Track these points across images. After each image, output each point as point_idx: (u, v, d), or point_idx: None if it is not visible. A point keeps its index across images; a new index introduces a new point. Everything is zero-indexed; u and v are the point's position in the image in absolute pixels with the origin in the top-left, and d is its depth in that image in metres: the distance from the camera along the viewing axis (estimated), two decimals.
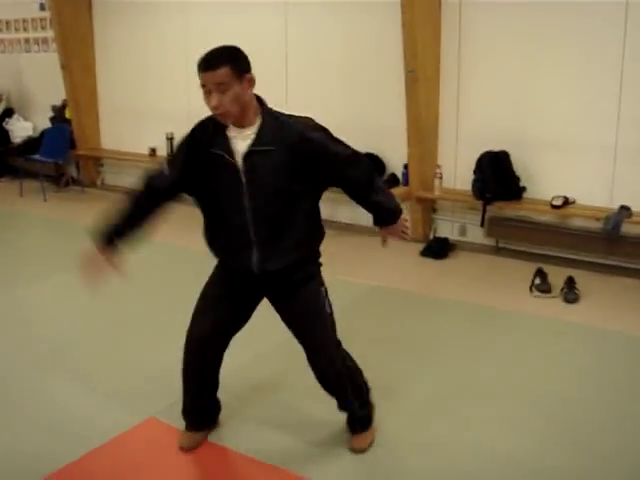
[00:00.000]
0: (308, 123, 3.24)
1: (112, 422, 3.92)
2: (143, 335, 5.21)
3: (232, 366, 3.84)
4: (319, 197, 3.39)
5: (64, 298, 5.95)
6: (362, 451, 3.66)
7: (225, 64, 2.97)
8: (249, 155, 3.12)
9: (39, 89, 10.40)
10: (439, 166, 6.94)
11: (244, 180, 3.14)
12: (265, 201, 3.18)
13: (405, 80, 6.70)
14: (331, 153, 3.21)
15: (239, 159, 3.13)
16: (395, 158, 7.29)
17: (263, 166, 3.12)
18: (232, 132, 3.14)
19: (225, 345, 3.59)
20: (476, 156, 6.67)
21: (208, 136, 3.19)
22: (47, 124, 10.01)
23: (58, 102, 9.91)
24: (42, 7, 9.99)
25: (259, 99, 3.20)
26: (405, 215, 3.60)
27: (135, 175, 9.35)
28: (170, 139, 8.69)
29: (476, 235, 7.01)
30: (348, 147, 3.31)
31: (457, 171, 6.98)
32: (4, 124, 10.50)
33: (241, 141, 3.13)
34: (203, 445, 3.76)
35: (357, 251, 6.97)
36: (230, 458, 3.69)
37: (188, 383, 3.67)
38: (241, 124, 3.12)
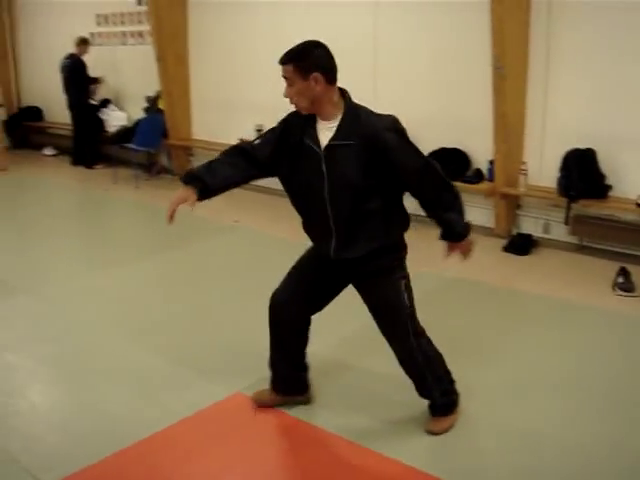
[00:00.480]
0: (387, 122, 3.35)
1: (200, 396, 4.13)
2: (233, 315, 5.46)
3: (319, 348, 4.01)
4: (399, 192, 3.49)
5: (155, 279, 6.22)
6: (437, 433, 3.77)
7: (290, 62, 3.27)
8: (330, 148, 3.31)
9: (134, 80, 10.76)
10: (524, 163, 6.96)
11: (325, 171, 3.33)
12: (342, 193, 3.35)
13: (492, 77, 6.74)
14: (400, 161, 3.31)
15: (322, 150, 3.33)
16: (480, 153, 7.33)
17: (342, 159, 3.30)
18: (319, 124, 3.36)
19: (303, 317, 3.82)
20: (562, 153, 6.66)
21: (300, 125, 3.40)
22: (141, 114, 10.36)
23: (152, 93, 10.24)
24: (139, 2, 10.36)
25: (343, 93, 3.38)
26: (471, 237, 3.68)
27: None
28: (259, 130, 8.89)
29: (560, 232, 7.00)
30: (420, 157, 3.38)
31: (543, 168, 6.98)
32: (100, 114, 10.91)
33: (326, 132, 3.33)
34: (285, 420, 3.95)
35: (439, 244, 7.02)
36: (314, 434, 3.85)
37: (270, 343, 3.92)
38: (323, 117, 3.34)
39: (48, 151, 12.39)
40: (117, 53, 10.92)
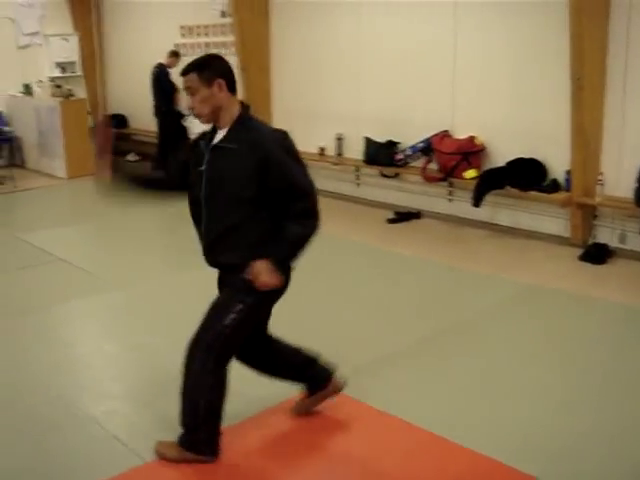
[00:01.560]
0: (276, 135, 3.50)
1: (286, 387, 4.37)
2: (313, 311, 5.73)
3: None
4: (274, 209, 3.48)
5: None
6: (158, 452, 3.81)
7: (193, 71, 3.43)
8: (215, 148, 3.50)
9: None
10: (601, 173, 7.02)
11: (205, 170, 3.52)
12: (216, 195, 3.50)
13: (571, 87, 6.84)
14: (285, 171, 3.42)
15: (208, 150, 3.52)
16: (557, 163, 7.40)
17: (224, 161, 3.46)
18: (218, 133, 3.53)
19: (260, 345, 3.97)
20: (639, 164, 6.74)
21: (209, 134, 3.59)
22: None
23: None
24: (223, 14, 10.72)
25: (243, 106, 3.55)
26: (271, 277, 3.48)
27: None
28: (339, 139, 9.16)
29: (636, 243, 7.03)
30: (300, 176, 3.47)
31: (620, 178, 7.01)
32: (184, 121, 11.27)
33: (219, 137, 3.52)
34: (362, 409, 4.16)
35: (516, 253, 7.16)
36: (391, 422, 4.06)
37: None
38: (221, 125, 3.50)
39: (132, 157, 12.85)
40: None
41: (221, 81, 3.42)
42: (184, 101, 11.35)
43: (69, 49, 13.24)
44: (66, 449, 3.96)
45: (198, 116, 3.49)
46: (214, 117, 3.49)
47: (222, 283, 3.74)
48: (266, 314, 3.83)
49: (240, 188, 3.44)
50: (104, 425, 4.17)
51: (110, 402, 4.47)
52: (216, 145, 3.49)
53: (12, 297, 6.34)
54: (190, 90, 3.44)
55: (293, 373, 4.10)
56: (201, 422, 3.68)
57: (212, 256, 3.63)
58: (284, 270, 3.55)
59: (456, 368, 4.78)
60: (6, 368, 4.96)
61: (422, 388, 4.51)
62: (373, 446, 3.90)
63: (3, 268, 7.14)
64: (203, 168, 3.51)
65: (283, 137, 3.49)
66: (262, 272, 3.45)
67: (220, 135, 3.50)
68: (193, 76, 3.42)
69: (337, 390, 4.17)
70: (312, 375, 4.12)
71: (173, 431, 3.80)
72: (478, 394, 4.44)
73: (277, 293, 3.66)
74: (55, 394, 4.55)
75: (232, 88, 3.49)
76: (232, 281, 3.60)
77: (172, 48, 11.16)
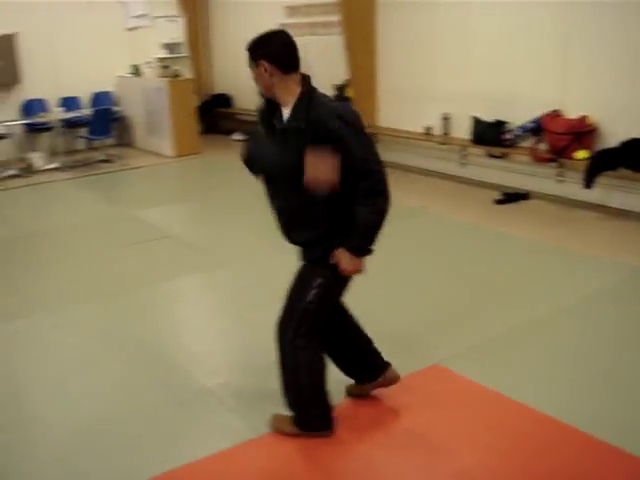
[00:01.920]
0: (339, 110, 3.38)
1: (398, 365, 4.36)
2: (424, 289, 5.72)
3: None
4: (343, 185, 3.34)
5: None
6: (273, 426, 3.85)
7: (246, 50, 3.46)
8: (282, 131, 3.42)
9: (322, 70, 11.09)
10: None
11: (277, 152, 3.45)
12: (287, 175, 3.41)
13: None
14: (348, 148, 3.28)
15: (277, 132, 3.45)
16: None
17: (291, 142, 3.35)
18: (282, 109, 3.45)
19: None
20: None
21: (265, 112, 3.56)
22: None
23: (340, 82, 10.56)
24: None
25: (305, 83, 3.43)
26: (359, 264, 3.49)
27: (408, 152, 9.91)
28: (446, 119, 9.07)
29: None
30: (366, 152, 3.34)
31: None
32: None
33: (284, 117, 3.43)
34: (483, 392, 4.13)
35: (629, 235, 6.95)
36: (513, 407, 4.02)
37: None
38: (281, 103, 3.43)
39: (237, 136, 13.02)
40: (306, 43, 11.27)
41: (264, 63, 3.35)
42: None
43: (176, 30, 13.47)
44: (182, 420, 4.06)
45: (262, 92, 3.50)
46: (271, 95, 3.45)
47: (302, 259, 3.73)
48: (346, 287, 3.77)
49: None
50: (220, 397, 4.26)
51: (225, 375, 4.57)
52: (283, 127, 3.42)
53: (125, 272, 6.53)
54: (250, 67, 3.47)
55: (352, 355, 4.04)
56: (308, 400, 3.72)
57: (289, 234, 3.63)
58: (363, 254, 3.50)
59: (569, 350, 4.69)
60: (121, 340, 5.12)
61: (534, 369, 4.44)
62: (487, 427, 3.87)
63: (118, 243, 7.37)
64: (276, 151, 3.46)
65: (345, 111, 3.40)
66: (342, 260, 3.46)
67: (285, 114, 3.43)
68: (247, 55, 3.46)
69: (391, 383, 4.09)
70: (366, 365, 4.07)
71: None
72: (593, 378, 4.34)
73: None
74: (171, 367, 4.68)
75: (286, 67, 3.38)
76: (310, 256, 3.61)
77: (276, 28, 11.22)
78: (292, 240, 3.64)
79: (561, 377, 4.35)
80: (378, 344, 4.75)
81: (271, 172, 3.54)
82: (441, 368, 4.45)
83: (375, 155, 3.42)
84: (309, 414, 3.76)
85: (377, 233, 3.46)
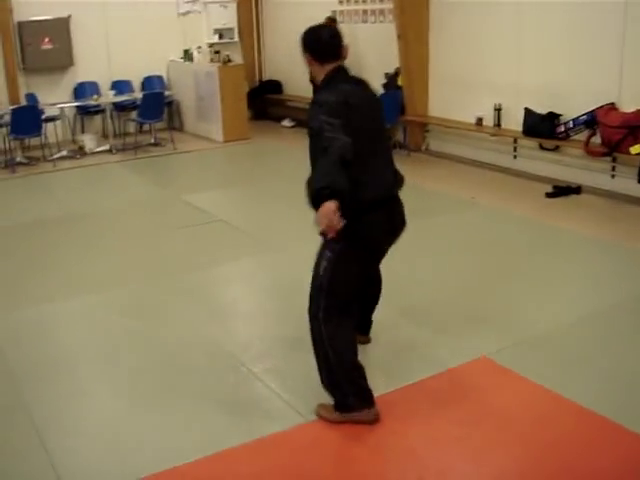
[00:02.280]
0: (322, 95, 3.70)
1: (445, 355, 4.35)
2: (471, 281, 5.69)
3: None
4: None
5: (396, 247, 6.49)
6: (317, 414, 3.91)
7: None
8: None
9: (373, 57, 11.05)
10: None
11: None
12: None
13: None
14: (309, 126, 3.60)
15: None
16: None
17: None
18: None
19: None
20: None
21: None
22: (380, 90, 10.61)
23: (391, 70, 10.50)
24: None
25: (331, 72, 3.79)
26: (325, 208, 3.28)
27: (459, 143, 9.82)
28: (498, 110, 8.97)
29: None
30: (316, 122, 3.48)
31: None
32: None
33: None
34: (531, 388, 4.08)
35: None
36: (564, 405, 3.97)
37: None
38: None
39: (287, 122, 13.04)
40: (358, 31, 11.26)
41: (307, 55, 3.84)
42: None
43: (227, 16, 13.50)
44: (229, 404, 4.09)
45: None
46: (315, 80, 3.93)
47: None
48: (361, 264, 3.80)
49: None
50: (267, 382, 4.27)
51: (272, 360, 4.59)
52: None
53: (174, 255, 6.59)
54: None
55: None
56: (339, 376, 3.75)
57: None
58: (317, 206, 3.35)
59: (617, 348, 4.61)
60: (170, 324, 5.17)
61: (583, 366, 4.37)
62: (534, 422, 3.83)
63: (167, 226, 7.44)
64: None
65: (328, 97, 3.60)
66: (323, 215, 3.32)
67: None
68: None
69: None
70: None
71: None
72: None
73: (364, 240, 3.70)
74: (218, 351, 4.71)
75: (322, 58, 3.78)
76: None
77: (329, 15, 11.21)
78: None
79: (610, 374, 4.28)
80: (425, 335, 4.77)
81: None
82: (488, 360, 4.41)
83: (330, 137, 3.39)
84: (343, 392, 3.77)
85: (313, 202, 3.37)
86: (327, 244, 3.68)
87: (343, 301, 3.76)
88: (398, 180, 3.94)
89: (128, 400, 4.17)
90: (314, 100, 3.70)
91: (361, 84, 3.87)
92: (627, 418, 3.76)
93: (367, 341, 4.53)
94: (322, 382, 3.82)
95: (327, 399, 3.86)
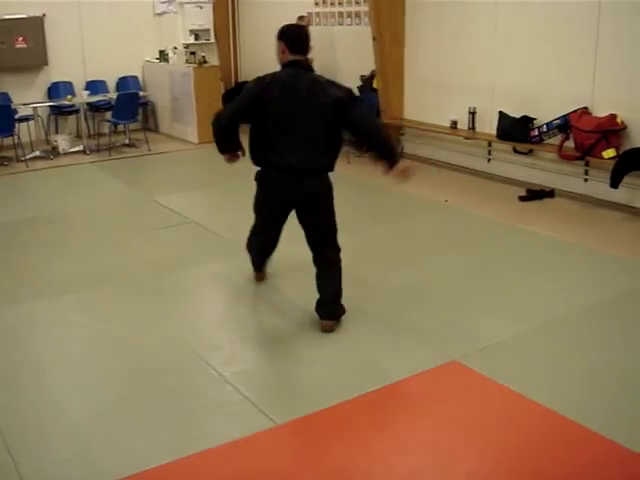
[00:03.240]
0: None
1: (415, 360, 4.34)
2: (442, 284, 5.66)
3: None
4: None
5: (368, 250, 6.47)
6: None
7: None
8: None
9: (349, 60, 11.06)
10: None
11: None
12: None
13: None
14: None
15: None
16: None
17: None
18: None
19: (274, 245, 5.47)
20: None
21: None
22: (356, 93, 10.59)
23: (366, 73, 10.49)
24: None
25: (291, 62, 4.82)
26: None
27: (433, 146, 9.78)
28: (472, 113, 8.98)
29: None
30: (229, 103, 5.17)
31: None
32: None
33: None
34: (503, 392, 4.07)
35: None
36: (531, 407, 3.96)
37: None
38: None
39: None
40: (334, 33, 11.26)
41: (282, 44, 4.80)
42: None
43: (203, 17, 13.43)
44: (198, 408, 4.06)
45: None
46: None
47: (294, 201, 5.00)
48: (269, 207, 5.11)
49: None
50: (236, 386, 4.24)
51: (242, 364, 4.55)
52: None
53: (144, 258, 6.54)
54: None
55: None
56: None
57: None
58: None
59: (587, 351, 4.64)
60: (138, 327, 5.12)
61: (552, 369, 4.38)
62: (502, 426, 3.83)
63: (138, 228, 7.38)
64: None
65: (261, 77, 4.86)
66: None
67: None
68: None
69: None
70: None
71: (303, 394, 3.83)
72: (611, 380, 4.27)
73: (268, 189, 5.01)
74: (188, 354, 4.67)
75: (292, 50, 4.77)
76: (323, 190, 5.01)
77: (301, 14, 11.19)
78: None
79: (578, 378, 4.29)
80: (396, 338, 4.76)
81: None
82: (458, 365, 4.40)
83: (227, 106, 5.37)
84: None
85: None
86: (331, 197, 4.98)
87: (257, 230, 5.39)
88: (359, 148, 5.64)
89: (96, 404, 4.12)
90: None
91: (300, 75, 4.72)
92: (592, 421, 3.76)
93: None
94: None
95: (295, 403, 3.84)
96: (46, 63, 11.92)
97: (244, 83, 13.64)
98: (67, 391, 4.29)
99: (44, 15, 11.68)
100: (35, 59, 11.78)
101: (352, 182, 8.98)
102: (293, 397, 3.87)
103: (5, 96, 11.25)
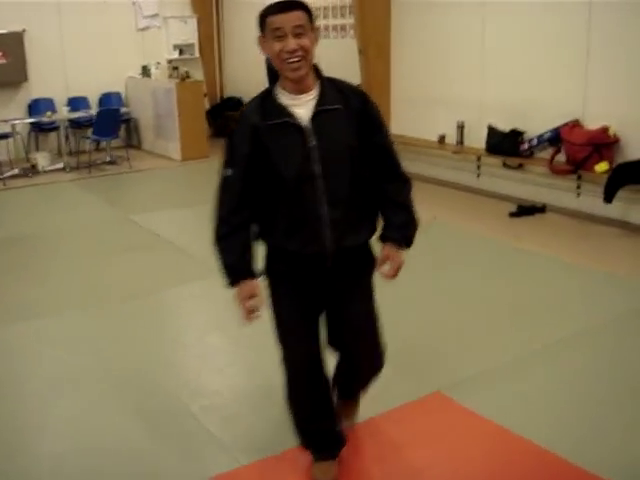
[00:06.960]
0: (362, 92, 3.10)
1: (397, 390, 4.07)
2: (431, 312, 5.36)
3: None
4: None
5: None
6: None
7: (301, 8, 2.78)
8: (317, 115, 2.87)
9: (334, 73, 10.73)
10: None
11: (314, 143, 2.88)
12: (337, 164, 2.92)
13: None
14: (380, 127, 3.05)
15: (305, 122, 2.87)
16: None
17: (332, 125, 2.89)
18: (287, 100, 2.91)
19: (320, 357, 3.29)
20: None
21: (260, 113, 2.92)
22: None
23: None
24: None
25: (316, 67, 2.99)
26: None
27: (421, 161, 9.54)
28: (461, 127, 8.72)
29: None
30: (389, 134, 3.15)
31: None
32: None
33: (301, 107, 2.89)
34: (485, 426, 3.76)
35: None
36: (513, 442, 3.66)
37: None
38: (300, 89, 2.90)
39: None
40: (319, 46, 10.94)
41: (318, 29, 2.95)
42: None
43: (187, 31, 13.23)
44: (163, 444, 3.74)
45: (300, 69, 2.83)
46: (306, 75, 2.89)
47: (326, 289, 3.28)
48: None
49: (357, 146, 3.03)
50: (202, 421, 3.93)
51: (211, 398, 4.22)
52: (319, 110, 2.88)
53: (113, 281, 6.23)
54: (297, 29, 2.78)
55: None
56: None
57: (345, 239, 3.09)
58: None
59: (580, 380, 4.31)
60: (104, 358, 4.80)
61: (542, 401, 4.07)
62: (487, 465, 3.52)
63: (111, 249, 7.07)
64: (313, 143, 2.87)
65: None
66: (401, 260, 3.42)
67: (304, 103, 2.90)
68: (302, 14, 2.78)
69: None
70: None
71: (276, 431, 3.54)
72: (604, 413, 3.95)
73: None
74: (155, 386, 4.36)
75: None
76: (364, 267, 3.37)
77: None
78: (351, 243, 3.09)
79: (571, 411, 3.97)
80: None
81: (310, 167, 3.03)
82: (442, 396, 4.09)
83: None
84: None
85: None
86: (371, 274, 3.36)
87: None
88: None
89: (53, 440, 3.80)
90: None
91: None
92: (586, 458, 3.46)
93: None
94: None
95: (264, 441, 3.54)
96: (26, 79, 11.70)
97: (230, 99, 13.50)
98: (22, 432, 3.95)
99: (24, 30, 11.46)
100: (14, 75, 11.55)
101: None
102: (263, 434, 3.56)
103: None
